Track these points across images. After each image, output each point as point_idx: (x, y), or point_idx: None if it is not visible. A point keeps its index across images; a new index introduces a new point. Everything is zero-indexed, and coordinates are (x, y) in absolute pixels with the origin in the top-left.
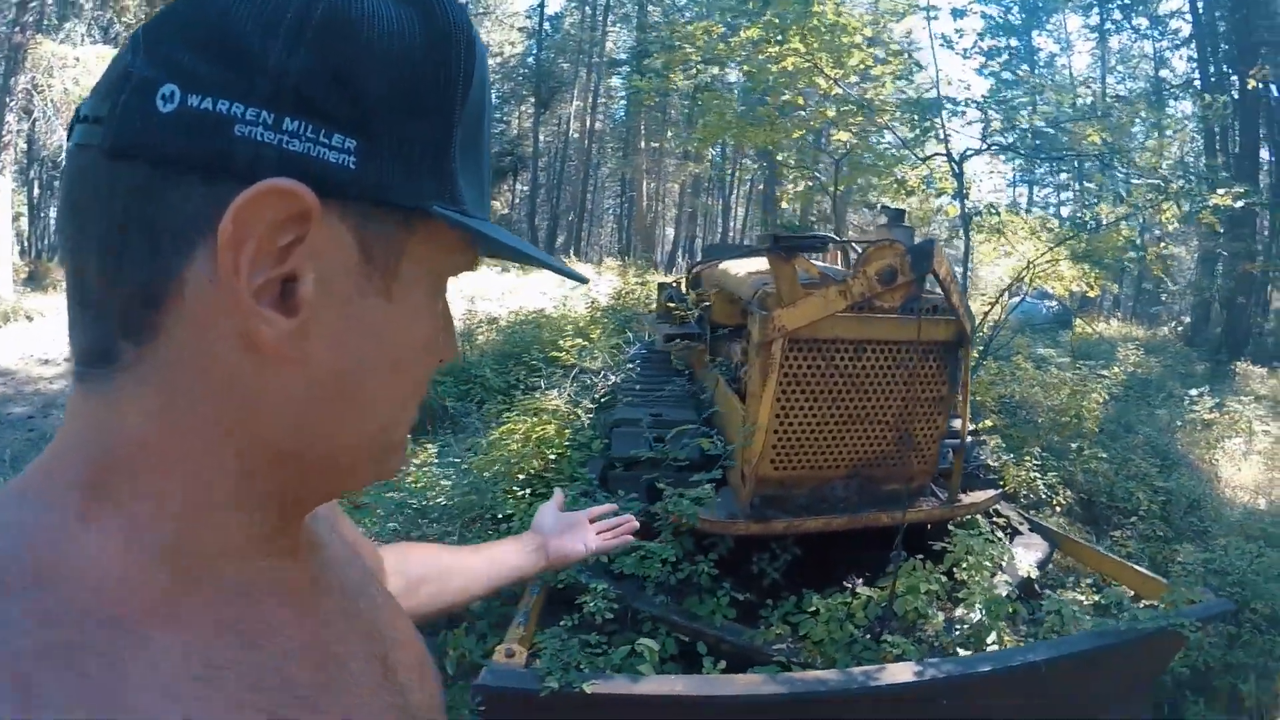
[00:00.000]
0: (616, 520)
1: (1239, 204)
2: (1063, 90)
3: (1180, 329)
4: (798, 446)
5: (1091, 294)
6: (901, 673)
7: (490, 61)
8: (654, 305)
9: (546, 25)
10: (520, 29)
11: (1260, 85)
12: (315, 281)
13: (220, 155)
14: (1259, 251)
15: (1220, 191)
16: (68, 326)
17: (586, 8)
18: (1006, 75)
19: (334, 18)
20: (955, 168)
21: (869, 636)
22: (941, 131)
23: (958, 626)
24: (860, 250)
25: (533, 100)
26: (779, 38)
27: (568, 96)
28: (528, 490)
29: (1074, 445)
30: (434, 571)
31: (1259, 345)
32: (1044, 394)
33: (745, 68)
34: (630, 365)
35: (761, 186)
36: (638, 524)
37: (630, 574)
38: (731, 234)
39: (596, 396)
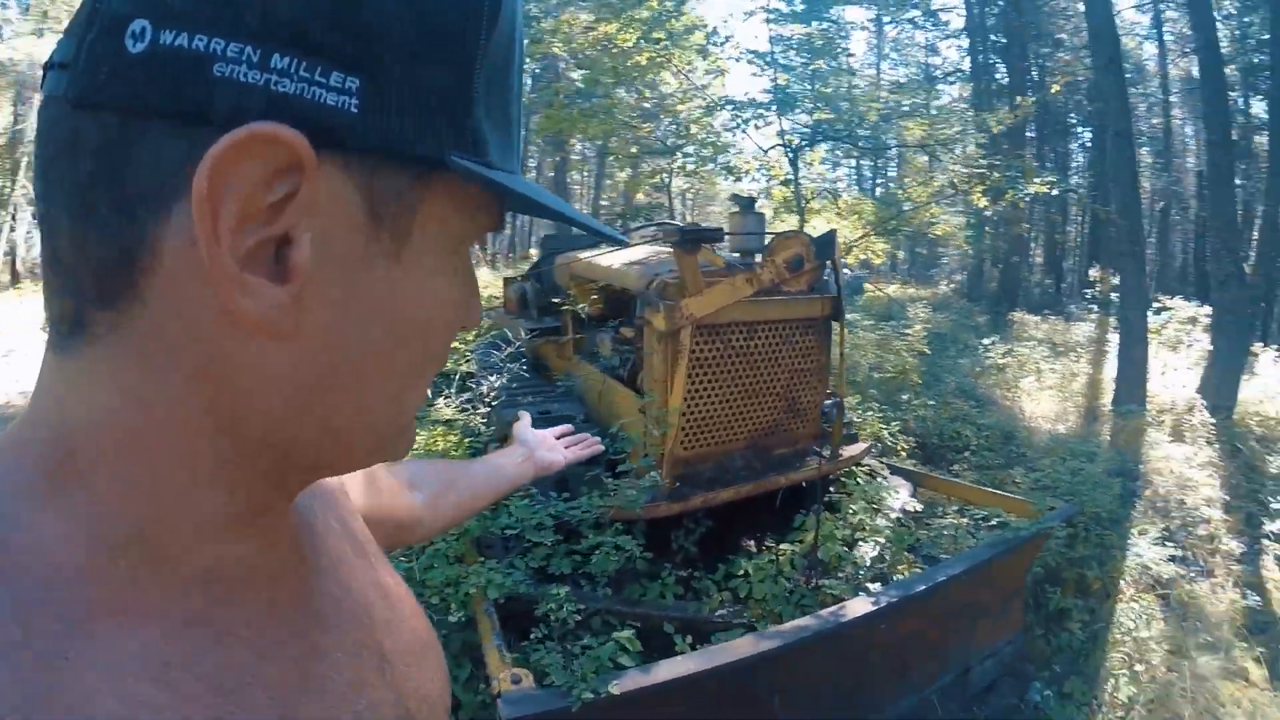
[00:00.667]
0: (580, 437)
1: (1054, 191)
2: (841, 74)
3: (955, 288)
4: (703, 425)
5: (877, 260)
6: (861, 606)
7: None
8: (501, 301)
9: None
10: None
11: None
12: (313, 243)
13: (197, 100)
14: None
15: (1037, 180)
16: (44, 294)
17: None
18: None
19: None
20: (790, 155)
21: (804, 585)
22: (779, 123)
23: (874, 562)
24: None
25: None
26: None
27: None
28: None
29: (904, 396)
30: (448, 482)
31: (1029, 296)
32: (860, 354)
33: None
34: (513, 365)
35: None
36: (601, 445)
37: (566, 574)
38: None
39: (487, 400)
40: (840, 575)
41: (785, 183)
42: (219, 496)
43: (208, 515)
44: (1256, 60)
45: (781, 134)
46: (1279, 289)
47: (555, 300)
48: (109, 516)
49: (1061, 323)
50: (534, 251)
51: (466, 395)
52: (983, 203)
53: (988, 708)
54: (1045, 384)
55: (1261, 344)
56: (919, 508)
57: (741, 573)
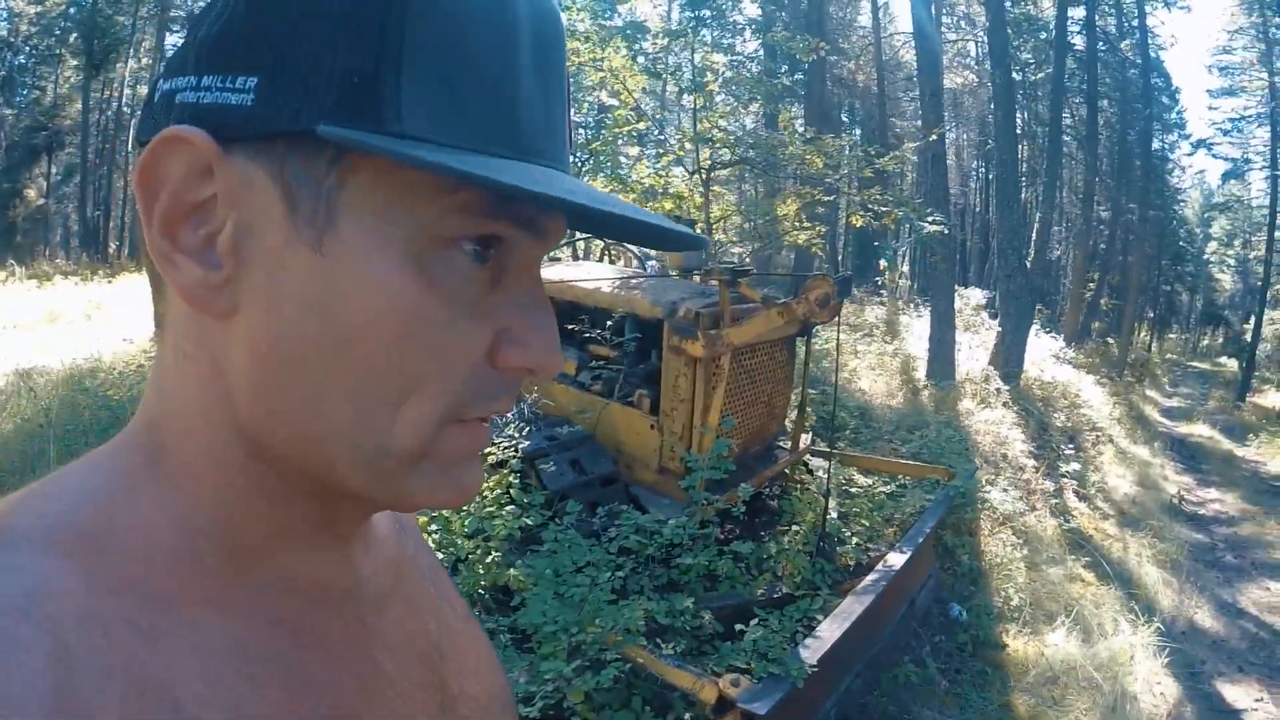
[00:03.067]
0: None
1: (944, 230)
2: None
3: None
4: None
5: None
6: (898, 558)
7: (28, 10)
8: None
9: None
10: None
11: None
12: (233, 229)
13: (164, 124)
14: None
15: (929, 220)
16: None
17: None
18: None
19: None
20: (703, 178)
21: (821, 557)
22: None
23: (867, 531)
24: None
25: (81, 60)
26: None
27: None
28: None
29: None
30: None
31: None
32: None
33: None
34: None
35: None
36: None
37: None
38: None
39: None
40: (846, 545)
41: (679, 198)
42: (263, 502)
43: (267, 519)
44: (1036, 77)
45: (694, 161)
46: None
47: None
48: (192, 507)
49: (851, 306)
50: None
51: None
52: (859, 223)
53: (930, 627)
54: (866, 364)
55: (1034, 325)
56: (867, 484)
57: (769, 555)
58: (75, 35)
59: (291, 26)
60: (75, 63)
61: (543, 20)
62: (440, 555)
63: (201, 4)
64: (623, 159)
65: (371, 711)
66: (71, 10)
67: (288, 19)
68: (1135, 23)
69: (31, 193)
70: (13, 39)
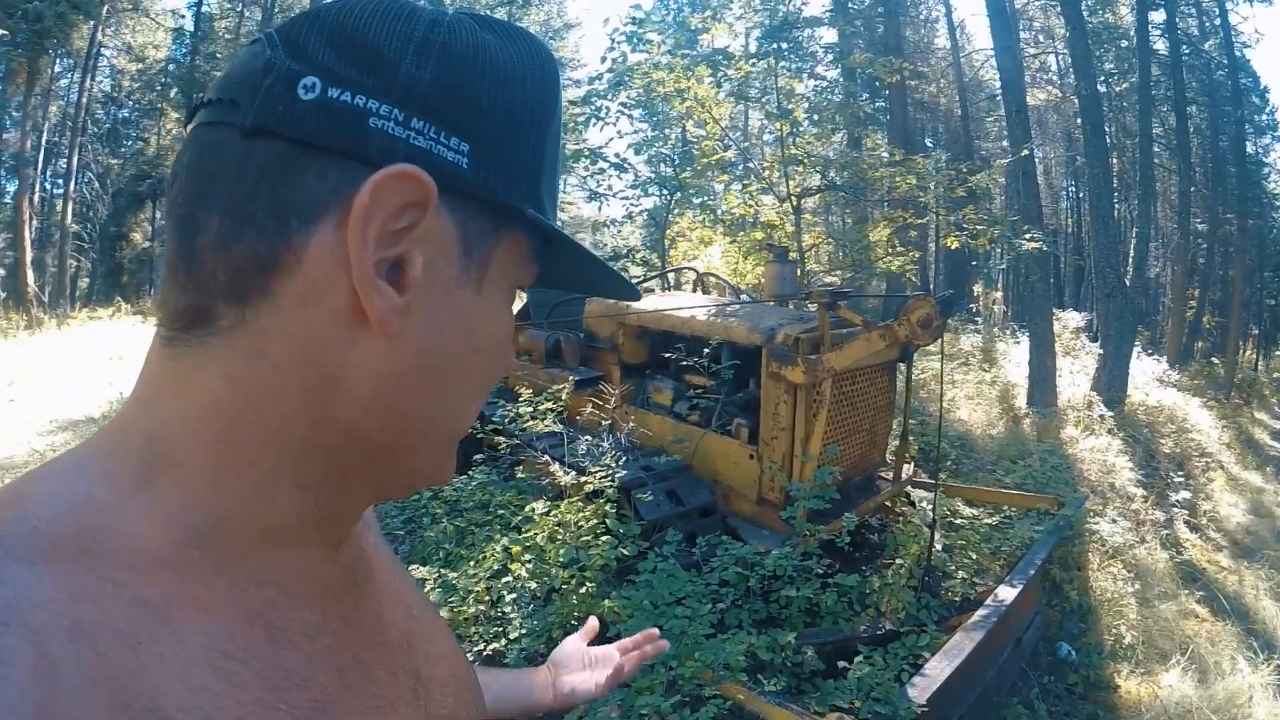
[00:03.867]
0: (644, 642)
1: (1044, 248)
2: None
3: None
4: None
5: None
6: (1008, 593)
7: (130, 68)
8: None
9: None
10: (173, 29)
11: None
12: (423, 265)
13: (356, 142)
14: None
15: (1027, 237)
16: (163, 290)
17: (246, 10)
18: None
19: (453, 39)
20: (795, 205)
21: (925, 592)
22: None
23: (975, 565)
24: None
25: (181, 113)
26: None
27: None
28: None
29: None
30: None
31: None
32: None
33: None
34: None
35: None
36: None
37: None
38: None
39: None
40: (951, 579)
41: (770, 226)
42: (293, 493)
43: (282, 512)
44: (1120, 88)
45: (785, 188)
46: (1143, 299)
47: (595, 347)
48: (191, 508)
49: (946, 334)
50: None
51: (570, 454)
52: (954, 244)
53: (1038, 667)
54: (964, 392)
55: (1135, 346)
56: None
57: (872, 589)
58: (175, 90)
59: (489, 108)
60: (176, 115)
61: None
62: (533, 585)
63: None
64: (713, 187)
65: (352, 702)
66: (170, 67)
67: (487, 100)
68: (1217, 21)
69: (137, 236)
70: (117, 94)
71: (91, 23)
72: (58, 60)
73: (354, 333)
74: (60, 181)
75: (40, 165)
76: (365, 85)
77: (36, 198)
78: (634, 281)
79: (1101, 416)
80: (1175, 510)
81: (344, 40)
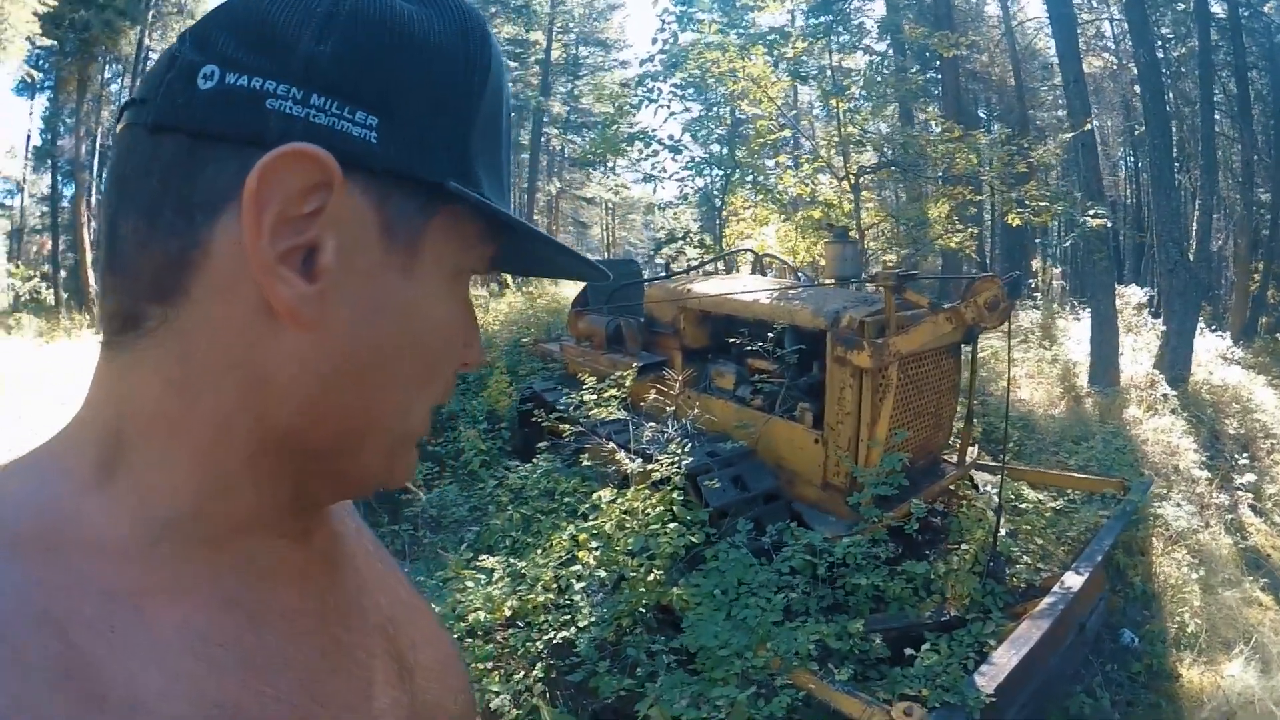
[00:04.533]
0: None
1: (1108, 223)
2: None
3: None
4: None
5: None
6: (1075, 580)
7: None
8: (569, 329)
9: None
10: None
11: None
12: (336, 250)
13: (252, 126)
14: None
15: (1090, 213)
16: (98, 295)
17: None
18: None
19: (359, 10)
20: (853, 183)
21: (991, 578)
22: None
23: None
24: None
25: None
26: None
27: None
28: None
29: None
30: None
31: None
32: None
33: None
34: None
35: None
36: None
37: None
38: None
39: (660, 449)
40: (1016, 565)
41: (828, 205)
42: (250, 491)
43: (242, 509)
44: (1178, 53)
45: (842, 166)
46: (1206, 274)
47: (656, 332)
48: (153, 503)
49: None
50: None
51: (637, 442)
52: (1016, 221)
53: (1101, 654)
54: (1024, 371)
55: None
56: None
57: (937, 575)
58: None
59: (402, 79)
60: None
61: (509, 92)
62: (602, 574)
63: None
64: (767, 166)
65: (337, 683)
66: None
67: (398, 70)
68: None
69: None
70: None
71: (138, 28)
72: (107, 66)
73: (273, 327)
74: None
75: (95, 168)
76: (262, 67)
77: (93, 200)
78: (691, 265)
79: (1165, 396)
80: (1240, 494)
81: (244, 25)
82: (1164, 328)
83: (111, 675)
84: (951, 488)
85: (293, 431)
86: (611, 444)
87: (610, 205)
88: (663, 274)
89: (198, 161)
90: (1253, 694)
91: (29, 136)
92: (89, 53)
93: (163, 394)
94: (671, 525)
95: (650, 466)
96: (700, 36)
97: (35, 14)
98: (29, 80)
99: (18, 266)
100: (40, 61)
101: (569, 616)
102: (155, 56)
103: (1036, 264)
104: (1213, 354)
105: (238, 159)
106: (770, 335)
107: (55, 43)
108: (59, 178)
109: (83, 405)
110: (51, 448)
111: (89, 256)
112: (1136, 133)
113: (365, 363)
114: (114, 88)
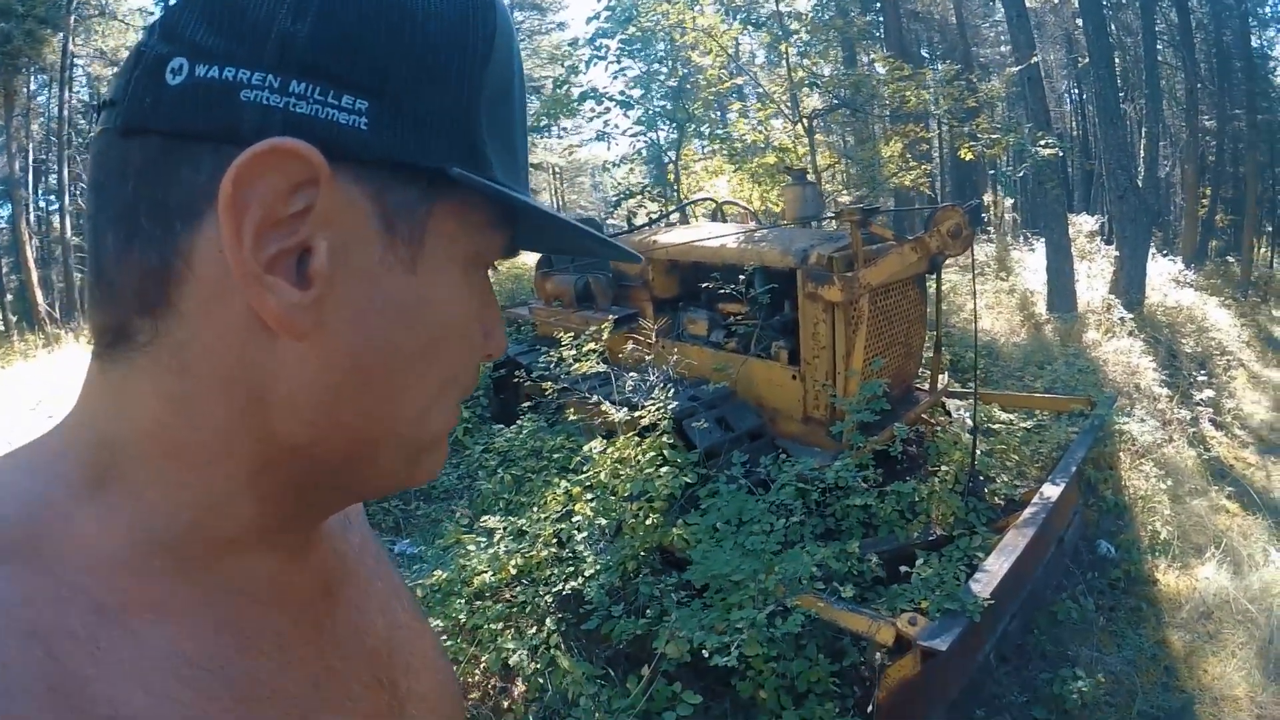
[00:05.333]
0: None
1: (1058, 154)
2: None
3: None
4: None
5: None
6: (1053, 491)
7: (106, 73)
8: (537, 291)
9: None
10: (144, 27)
11: None
12: (329, 251)
13: (227, 122)
14: None
15: (1042, 144)
16: (87, 306)
17: None
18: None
19: None
20: (806, 126)
21: (971, 498)
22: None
23: (1015, 468)
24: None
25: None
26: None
27: None
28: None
29: None
30: None
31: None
32: None
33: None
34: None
35: None
36: None
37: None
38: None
39: (639, 397)
40: (994, 483)
41: (782, 150)
42: (251, 506)
43: (240, 524)
44: None
45: (794, 111)
46: (1156, 199)
47: (626, 285)
48: (147, 517)
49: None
50: None
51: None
52: (969, 155)
53: (1080, 565)
54: (984, 303)
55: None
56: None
57: (921, 498)
58: None
59: (392, 55)
60: None
61: (520, 63)
62: (602, 521)
63: None
64: (718, 116)
65: (326, 716)
66: None
67: (386, 45)
68: None
69: None
70: (96, 101)
71: (61, 35)
72: (33, 78)
73: (270, 339)
74: (54, 198)
75: (31, 185)
76: (234, 54)
77: (33, 217)
78: (652, 217)
79: (1122, 319)
80: (1200, 409)
81: (213, 10)
82: (1117, 254)
83: (95, 694)
84: (924, 415)
85: (301, 445)
86: (596, 396)
87: (558, 170)
88: (625, 229)
89: (172, 165)
90: (1227, 594)
91: None
92: (13, 65)
93: (160, 410)
94: (665, 469)
95: (637, 414)
96: None
97: None
98: None
99: None
100: None
101: (573, 567)
102: (81, 62)
103: (988, 198)
104: (1165, 278)
105: (214, 160)
106: (740, 278)
107: None
108: None
109: (72, 413)
110: (45, 447)
111: (35, 275)
112: (1080, 65)
113: (373, 368)
114: (42, 99)
